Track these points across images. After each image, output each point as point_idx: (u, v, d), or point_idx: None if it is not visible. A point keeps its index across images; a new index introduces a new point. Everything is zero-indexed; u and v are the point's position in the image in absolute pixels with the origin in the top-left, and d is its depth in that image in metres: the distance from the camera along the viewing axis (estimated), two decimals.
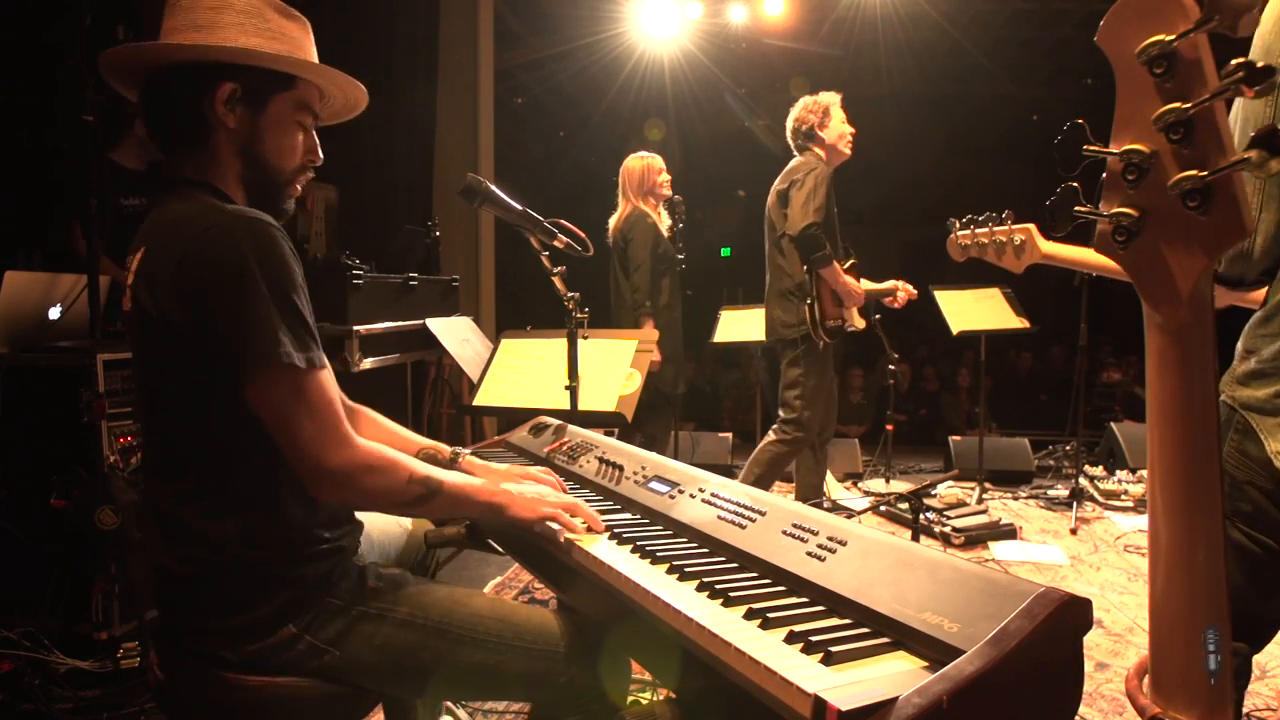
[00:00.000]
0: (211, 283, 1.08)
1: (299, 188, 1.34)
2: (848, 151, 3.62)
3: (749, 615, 0.99)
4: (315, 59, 1.31)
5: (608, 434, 2.05)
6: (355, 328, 3.02)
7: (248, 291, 1.08)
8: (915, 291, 3.85)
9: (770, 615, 0.97)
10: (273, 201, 1.30)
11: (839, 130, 3.58)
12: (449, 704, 2.05)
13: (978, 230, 1.70)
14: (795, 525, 1.15)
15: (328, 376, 1.17)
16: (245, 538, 1.15)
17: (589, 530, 1.30)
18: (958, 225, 1.75)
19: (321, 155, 1.35)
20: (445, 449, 1.57)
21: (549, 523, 1.29)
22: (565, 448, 1.76)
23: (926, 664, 0.87)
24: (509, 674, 1.24)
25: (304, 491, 1.17)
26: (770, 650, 0.89)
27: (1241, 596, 1.19)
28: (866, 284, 3.71)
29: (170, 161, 1.25)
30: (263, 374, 1.09)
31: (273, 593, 1.16)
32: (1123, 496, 4.39)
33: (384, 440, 1.57)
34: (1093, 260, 1.49)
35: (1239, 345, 1.22)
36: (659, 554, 1.20)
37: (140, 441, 2.44)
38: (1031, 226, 1.63)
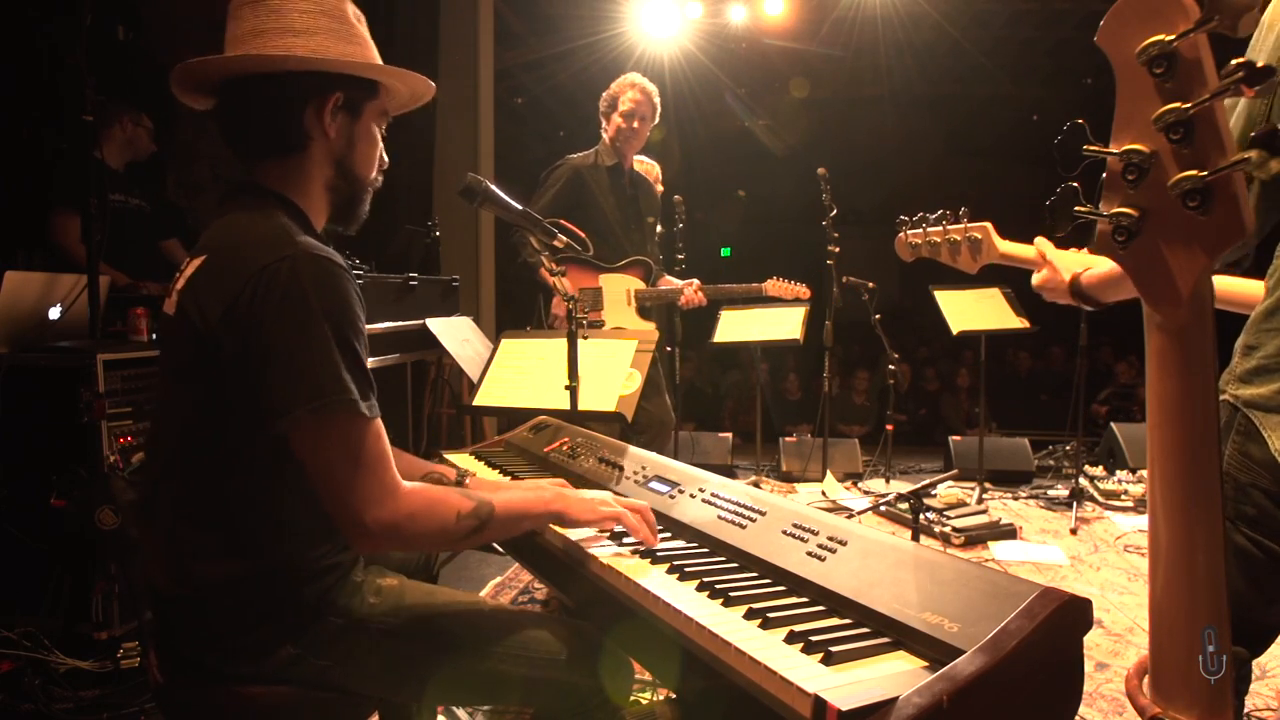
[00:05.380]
0: (273, 320, 1.03)
1: (370, 195, 1.32)
2: (626, 146, 3.44)
3: (749, 615, 0.99)
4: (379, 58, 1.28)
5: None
6: None
7: (311, 334, 1.03)
8: (704, 299, 3.54)
9: (770, 615, 0.97)
10: (354, 212, 1.29)
11: (616, 122, 3.44)
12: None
13: (929, 229, 1.58)
14: (795, 525, 1.15)
15: (381, 427, 1.10)
16: (245, 562, 1.12)
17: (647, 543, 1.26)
18: (907, 224, 1.62)
19: (387, 159, 1.32)
20: (450, 472, 1.51)
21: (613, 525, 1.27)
22: (565, 448, 1.76)
23: (927, 664, 0.87)
24: (510, 682, 1.24)
25: (306, 515, 1.12)
26: (770, 650, 0.89)
27: (1244, 603, 1.15)
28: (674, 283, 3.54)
29: (246, 169, 1.20)
30: (315, 419, 1.03)
31: (271, 616, 1.13)
32: (1123, 496, 4.38)
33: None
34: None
35: (1239, 341, 1.18)
36: (659, 554, 1.21)
37: (144, 442, 2.44)
38: (988, 224, 1.51)
